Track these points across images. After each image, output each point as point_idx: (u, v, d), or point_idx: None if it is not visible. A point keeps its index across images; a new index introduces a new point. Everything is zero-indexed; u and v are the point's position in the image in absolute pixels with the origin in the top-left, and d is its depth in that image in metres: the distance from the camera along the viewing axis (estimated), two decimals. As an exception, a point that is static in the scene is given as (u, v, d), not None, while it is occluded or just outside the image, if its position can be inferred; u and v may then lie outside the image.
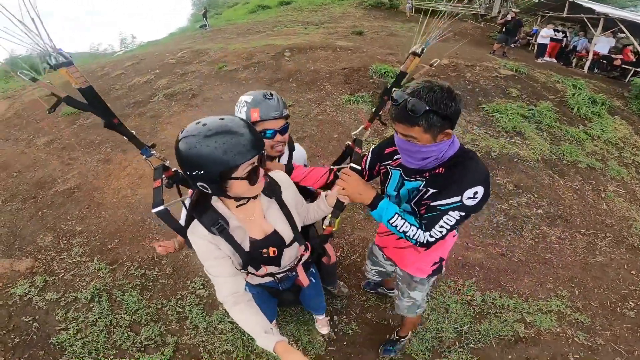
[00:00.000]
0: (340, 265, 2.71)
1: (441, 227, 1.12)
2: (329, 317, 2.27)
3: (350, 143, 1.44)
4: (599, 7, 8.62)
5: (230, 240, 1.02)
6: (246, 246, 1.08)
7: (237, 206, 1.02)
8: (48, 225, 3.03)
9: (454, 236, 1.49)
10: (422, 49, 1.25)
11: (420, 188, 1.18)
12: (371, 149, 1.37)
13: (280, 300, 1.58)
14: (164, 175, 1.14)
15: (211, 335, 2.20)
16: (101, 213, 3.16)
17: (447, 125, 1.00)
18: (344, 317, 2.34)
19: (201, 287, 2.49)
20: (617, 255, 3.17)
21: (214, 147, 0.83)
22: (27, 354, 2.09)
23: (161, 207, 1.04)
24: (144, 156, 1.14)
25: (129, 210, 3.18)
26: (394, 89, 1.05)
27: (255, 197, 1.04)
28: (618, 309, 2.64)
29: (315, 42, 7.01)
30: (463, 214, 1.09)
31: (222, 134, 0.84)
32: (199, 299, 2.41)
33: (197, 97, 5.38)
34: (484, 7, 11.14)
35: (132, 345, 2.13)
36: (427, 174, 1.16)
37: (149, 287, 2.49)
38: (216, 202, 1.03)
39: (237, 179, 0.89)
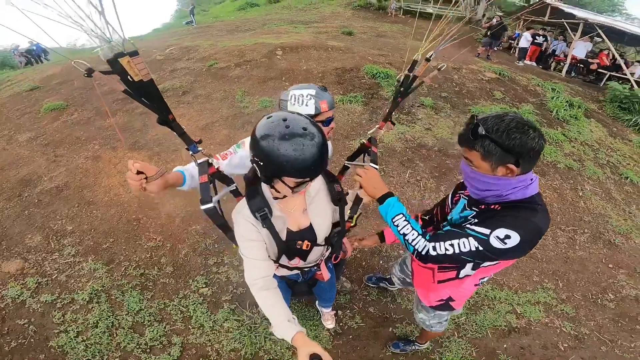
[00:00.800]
0: (342, 261, 2.76)
1: (451, 245, 1.07)
2: (334, 312, 2.32)
3: (365, 141, 1.49)
4: (579, 13, 9.07)
5: (271, 227, 1.07)
6: (283, 235, 1.13)
7: (275, 197, 1.06)
8: (36, 224, 2.90)
9: (475, 285, 1.40)
10: (431, 55, 1.40)
11: (469, 217, 1.15)
12: (458, 183, 1.38)
13: (294, 292, 1.62)
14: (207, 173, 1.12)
15: (218, 334, 2.19)
16: (92, 212, 3.06)
17: (509, 159, 0.95)
18: (348, 311, 2.40)
19: (204, 285, 2.48)
20: (595, 250, 3.38)
21: (282, 152, 0.84)
22: (27, 358, 2.01)
23: (210, 205, 1.05)
24: (191, 152, 1.11)
25: (122, 209, 3.10)
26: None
27: (285, 196, 1.06)
28: (599, 300, 2.82)
29: (306, 41, 7.02)
30: (481, 249, 1.02)
31: (295, 145, 0.84)
32: (202, 298, 2.39)
33: (188, 94, 5.28)
34: (469, 10, 11.49)
35: (137, 347, 2.09)
36: (483, 206, 1.11)
37: (150, 287, 2.45)
38: (265, 189, 1.07)
39: (285, 184, 0.92)
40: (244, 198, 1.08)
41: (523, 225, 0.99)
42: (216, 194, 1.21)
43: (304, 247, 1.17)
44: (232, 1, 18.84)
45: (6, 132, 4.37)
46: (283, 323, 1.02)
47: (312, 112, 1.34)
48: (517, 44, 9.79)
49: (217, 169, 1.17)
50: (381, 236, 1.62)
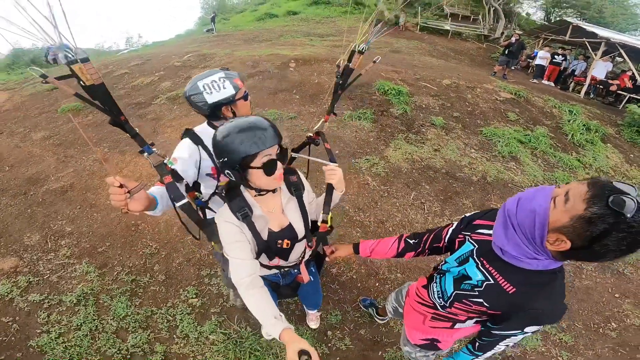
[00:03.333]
0: (337, 281, 2.68)
1: (498, 346, 1.10)
2: (320, 313, 2.30)
3: (312, 134, 1.63)
4: (601, 32, 8.77)
5: (252, 227, 1.12)
6: (264, 235, 1.17)
7: (255, 196, 1.13)
8: (37, 223, 2.95)
9: (465, 335, 1.34)
10: (364, 48, 1.46)
11: (476, 289, 1.04)
12: (462, 217, 1.26)
13: (279, 294, 1.62)
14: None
15: (202, 346, 2.14)
16: (93, 215, 3.09)
17: (579, 242, 0.78)
18: (338, 332, 2.32)
19: (194, 296, 2.44)
20: (602, 280, 3.20)
21: (234, 138, 0.97)
22: (4, 356, 2.00)
23: (185, 200, 1.11)
24: (145, 153, 1.14)
25: (122, 214, 3.11)
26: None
27: (274, 191, 1.14)
28: (601, 329, 2.67)
29: (320, 54, 7.09)
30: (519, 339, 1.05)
31: (245, 129, 0.98)
32: (190, 308, 2.35)
33: (199, 102, 5.37)
34: (488, 27, 11.39)
35: (118, 352, 2.06)
36: (497, 274, 0.99)
37: (139, 294, 2.42)
38: (245, 192, 1.14)
39: (254, 168, 1.00)
40: (225, 204, 1.13)
41: (550, 316, 0.96)
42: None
43: (284, 246, 1.21)
44: (252, 11, 19.40)
45: (22, 130, 4.53)
46: (270, 320, 1.03)
47: (233, 91, 1.39)
48: (535, 62, 9.58)
49: (171, 168, 1.20)
50: (355, 248, 1.52)
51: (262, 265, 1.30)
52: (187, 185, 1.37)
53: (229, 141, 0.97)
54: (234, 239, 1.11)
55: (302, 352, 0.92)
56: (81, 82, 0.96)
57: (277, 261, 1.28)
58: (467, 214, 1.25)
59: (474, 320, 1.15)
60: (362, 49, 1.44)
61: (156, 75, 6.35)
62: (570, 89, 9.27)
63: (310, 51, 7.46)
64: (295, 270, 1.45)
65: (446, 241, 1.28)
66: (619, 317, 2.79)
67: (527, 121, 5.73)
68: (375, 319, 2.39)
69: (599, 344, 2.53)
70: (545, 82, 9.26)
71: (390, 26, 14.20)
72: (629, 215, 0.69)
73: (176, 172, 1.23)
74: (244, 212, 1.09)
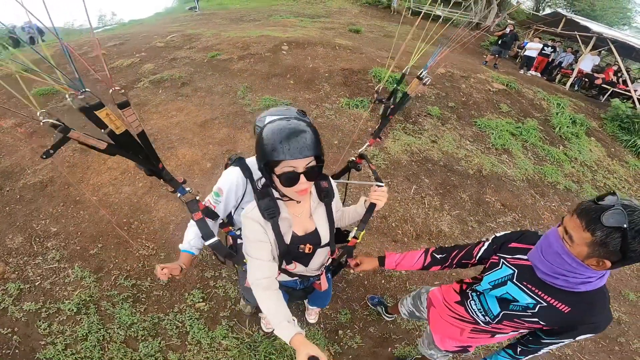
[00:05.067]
0: (344, 279, 2.67)
1: (540, 352, 1.12)
2: (319, 309, 2.32)
3: (355, 158, 1.59)
4: (594, 26, 8.93)
5: (276, 228, 1.09)
6: (287, 239, 1.14)
7: (277, 198, 1.10)
8: (17, 223, 2.70)
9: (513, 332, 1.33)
10: (423, 75, 1.39)
11: (528, 310, 1.06)
12: (493, 237, 1.27)
13: (291, 296, 1.62)
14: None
15: (216, 352, 2.09)
16: (79, 212, 2.87)
17: (614, 257, 0.84)
18: (349, 331, 2.34)
19: (200, 300, 2.34)
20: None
21: (266, 140, 0.93)
22: None
23: (215, 239, 1.14)
24: (179, 194, 1.11)
25: (112, 211, 2.91)
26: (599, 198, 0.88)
27: (298, 202, 1.11)
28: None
29: (313, 37, 6.80)
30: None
31: (279, 131, 0.93)
32: (199, 313, 2.27)
33: (187, 86, 5.05)
34: (480, 16, 11.30)
35: None
36: (549, 297, 1.01)
37: (142, 300, 2.30)
38: (275, 192, 1.10)
39: (274, 174, 0.97)
40: (254, 200, 1.11)
41: (599, 327, 0.99)
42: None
43: (307, 251, 1.19)
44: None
45: (-10, 117, 4.10)
46: (282, 323, 1.02)
47: None
48: (523, 53, 9.68)
49: (204, 204, 1.23)
50: (381, 261, 1.52)
51: (284, 272, 1.29)
52: (222, 222, 1.37)
53: (261, 141, 0.95)
54: (257, 238, 1.10)
55: (311, 358, 0.92)
56: (104, 130, 0.78)
57: (294, 266, 1.25)
58: (498, 234, 1.27)
59: (519, 330, 1.18)
60: (423, 76, 1.39)
61: (137, 56, 5.89)
62: (557, 80, 9.47)
63: (302, 33, 7.14)
64: (314, 278, 1.44)
65: (476, 259, 1.30)
66: None
67: (518, 113, 5.81)
68: (384, 316, 2.43)
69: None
70: (533, 72, 9.40)
71: (382, 9, 13.86)
72: (624, 226, 0.78)
73: (212, 212, 1.25)
74: (271, 212, 1.07)
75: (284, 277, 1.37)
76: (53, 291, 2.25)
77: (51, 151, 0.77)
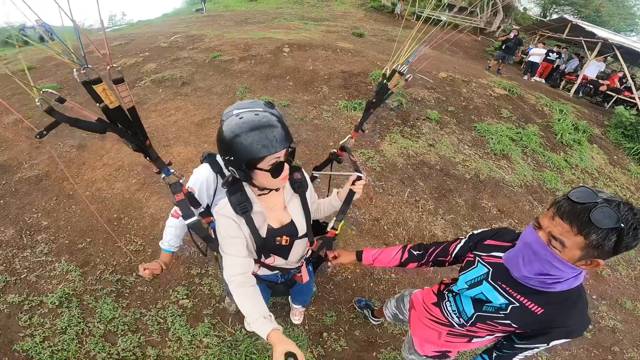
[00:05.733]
0: (331, 281, 2.64)
1: (516, 358, 1.07)
2: (304, 309, 2.29)
3: (336, 150, 1.60)
4: (599, 32, 8.78)
5: (250, 222, 1.09)
6: (263, 232, 1.14)
7: (259, 195, 1.11)
8: (10, 216, 2.73)
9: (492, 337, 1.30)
10: (404, 70, 1.42)
11: (501, 312, 1.02)
12: (470, 234, 1.24)
13: (274, 291, 1.62)
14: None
15: (196, 349, 2.07)
16: (71, 207, 2.89)
17: (607, 256, 0.81)
18: (333, 333, 2.30)
19: (184, 297, 2.33)
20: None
21: (244, 139, 0.92)
22: None
23: (194, 218, 1.13)
24: (164, 175, 1.12)
25: (103, 206, 2.93)
26: (577, 188, 0.84)
27: (277, 190, 1.11)
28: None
29: (315, 39, 6.83)
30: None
31: (253, 128, 0.92)
32: (182, 310, 2.26)
33: (187, 86, 5.10)
34: (484, 20, 11.24)
35: (108, 357, 1.96)
36: (521, 297, 0.97)
37: (126, 295, 2.29)
38: (246, 187, 1.11)
39: (261, 169, 0.96)
40: (225, 197, 1.10)
41: (577, 330, 0.95)
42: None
43: (284, 243, 1.19)
44: (244, -10, 18.50)
45: (-9, 112, 4.18)
46: (259, 320, 1.01)
47: None
48: (528, 58, 9.60)
49: (188, 190, 1.24)
50: (358, 255, 1.50)
51: (264, 265, 1.28)
52: (203, 211, 1.39)
53: (238, 141, 0.93)
54: (230, 234, 1.09)
55: (288, 354, 0.91)
56: (100, 104, 0.86)
57: (272, 260, 1.24)
58: (475, 232, 1.24)
59: (495, 335, 1.15)
60: (404, 70, 1.42)
61: (140, 56, 5.97)
62: (561, 86, 9.35)
63: (304, 36, 7.18)
64: (294, 270, 1.44)
65: (452, 257, 1.28)
66: (594, 319, 2.87)
67: (519, 118, 5.74)
68: (370, 320, 2.39)
69: (575, 345, 2.60)
70: (537, 78, 9.30)
71: (387, 13, 13.89)
72: (621, 225, 0.74)
73: (194, 199, 1.26)
74: (243, 207, 1.07)
75: (265, 272, 1.37)
76: (38, 284, 2.26)
77: (44, 132, 0.83)
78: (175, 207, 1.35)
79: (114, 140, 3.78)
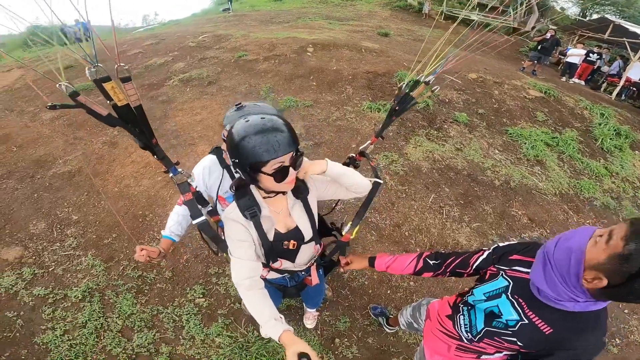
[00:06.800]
0: (348, 286, 2.57)
1: None
2: (318, 313, 2.26)
3: (354, 155, 1.58)
4: None
5: (259, 226, 1.09)
6: (271, 236, 1.14)
7: (264, 197, 1.10)
8: (43, 210, 2.87)
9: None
10: (430, 80, 1.36)
11: (509, 328, 0.97)
12: (495, 246, 1.17)
13: (284, 293, 1.62)
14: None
15: (208, 348, 2.08)
16: (100, 202, 3.00)
17: (616, 279, 0.77)
18: (346, 340, 2.24)
19: (201, 295, 2.35)
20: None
21: (247, 142, 0.92)
22: (9, 352, 1.96)
23: (202, 218, 1.14)
24: (171, 174, 1.14)
25: (130, 203, 3.02)
26: None
27: (284, 193, 1.11)
28: (605, 346, 2.50)
29: (339, 39, 6.75)
30: None
31: (260, 131, 0.92)
32: (197, 309, 2.28)
33: (213, 85, 5.19)
34: (518, 20, 10.64)
35: (123, 352, 2.01)
36: (533, 315, 0.93)
37: (145, 291, 2.34)
38: (254, 190, 1.10)
39: (265, 173, 0.96)
40: (234, 201, 1.10)
41: (589, 353, 0.87)
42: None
43: (291, 247, 1.19)
44: (270, -9, 18.69)
45: (32, 109, 4.44)
46: (269, 322, 1.01)
47: None
48: (566, 59, 9.01)
49: (195, 189, 1.24)
50: (371, 261, 1.44)
51: (273, 269, 1.28)
52: (211, 209, 1.40)
53: (242, 144, 0.93)
54: (238, 237, 1.10)
55: (301, 355, 0.90)
56: (110, 102, 0.88)
57: (279, 264, 1.24)
58: (500, 244, 1.15)
59: (503, 353, 1.08)
60: (429, 80, 1.37)
61: (170, 55, 6.16)
62: (602, 89, 8.72)
63: (328, 35, 7.11)
64: (304, 273, 1.42)
65: (473, 269, 1.19)
66: (623, 333, 2.68)
67: (555, 122, 5.36)
68: (385, 328, 2.31)
69: (599, 359, 2.39)
70: (576, 80, 8.71)
71: (414, 12, 13.54)
72: None
73: (202, 198, 1.27)
74: (252, 211, 1.07)
75: (274, 275, 1.37)
76: (64, 277, 2.35)
77: (57, 105, 0.86)
78: (181, 195, 1.37)
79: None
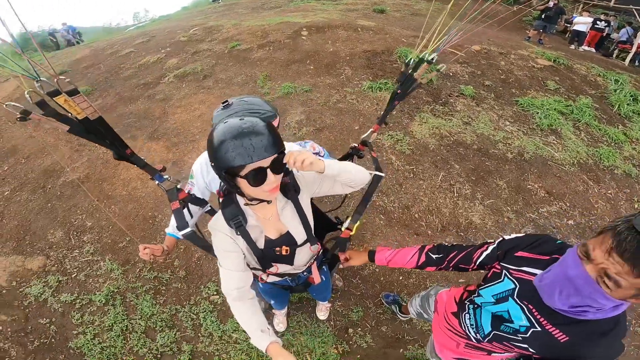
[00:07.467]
0: (358, 275, 2.57)
1: None
2: (330, 304, 2.28)
3: (356, 145, 1.52)
4: None
5: (246, 236, 1.06)
6: (261, 244, 1.11)
7: (245, 204, 1.04)
8: (58, 219, 2.92)
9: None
10: (433, 58, 1.30)
11: (519, 334, 0.91)
12: (500, 240, 1.08)
13: (291, 290, 1.62)
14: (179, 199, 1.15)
15: (226, 344, 2.13)
16: (111, 207, 3.04)
17: None
18: (359, 329, 2.26)
19: (215, 293, 2.40)
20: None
21: (222, 145, 0.86)
22: (48, 358, 2.06)
23: (188, 230, 1.09)
24: (157, 182, 1.12)
25: (139, 205, 3.04)
26: None
27: (269, 202, 1.04)
28: (631, 327, 2.48)
29: (334, 20, 6.52)
30: None
31: (235, 136, 0.86)
32: (212, 306, 2.33)
33: (208, 79, 5.10)
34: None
35: (149, 352, 2.09)
36: (546, 322, 0.85)
37: (162, 292, 2.40)
38: (239, 198, 1.06)
39: (240, 177, 0.90)
40: (220, 211, 1.08)
41: (608, 358, 0.81)
42: (191, 216, 1.25)
43: (284, 253, 1.16)
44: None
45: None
46: (256, 332, 1.00)
47: None
48: (572, 27, 8.63)
49: (189, 192, 1.21)
50: (371, 256, 1.40)
51: (272, 273, 1.27)
52: (210, 209, 1.38)
53: (218, 148, 0.87)
54: (224, 248, 1.07)
55: None
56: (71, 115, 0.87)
57: (275, 269, 1.22)
58: (507, 237, 1.07)
59: (514, 353, 1.03)
60: (433, 58, 1.32)
61: (162, 52, 6.05)
62: (614, 56, 8.38)
63: (322, 17, 6.87)
64: (306, 273, 1.40)
65: (476, 265, 1.13)
66: None
67: (568, 90, 5.14)
68: (398, 315, 2.30)
69: (626, 342, 2.34)
70: (585, 47, 8.38)
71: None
72: None
73: (197, 198, 1.24)
74: (237, 221, 1.03)
75: (274, 278, 1.35)
76: (87, 283, 2.42)
77: (26, 117, 0.86)
78: (187, 185, 1.36)
79: (144, 139, 3.90)
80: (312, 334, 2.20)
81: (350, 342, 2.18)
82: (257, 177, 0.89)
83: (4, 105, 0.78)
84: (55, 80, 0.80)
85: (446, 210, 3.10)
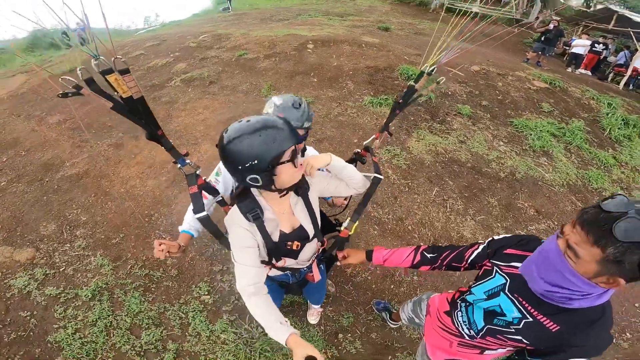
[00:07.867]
0: (351, 282, 2.58)
1: None
2: (322, 309, 2.28)
3: (360, 150, 1.56)
4: None
5: (262, 229, 1.09)
6: (275, 237, 1.14)
7: (281, 196, 1.09)
8: (52, 212, 2.93)
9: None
10: (433, 70, 1.37)
11: (512, 326, 0.95)
12: (489, 240, 1.14)
13: (286, 290, 1.64)
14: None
15: (213, 345, 2.12)
16: (107, 203, 3.05)
17: (630, 275, 0.70)
18: (349, 335, 2.26)
19: (206, 293, 2.39)
20: (626, 288, 2.96)
21: (265, 138, 0.92)
22: (23, 351, 2.02)
23: (204, 213, 1.14)
24: (179, 165, 1.16)
25: (136, 203, 3.06)
26: (604, 204, 0.72)
27: (288, 191, 1.09)
28: (614, 340, 2.50)
29: (340, 35, 6.71)
30: None
31: (268, 127, 0.93)
32: (203, 306, 2.32)
33: (214, 85, 5.21)
34: (521, 11, 10.46)
35: (132, 349, 2.06)
36: (537, 313, 0.90)
37: (152, 289, 2.39)
38: (257, 196, 1.11)
39: (284, 162, 0.96)
40: (235, 205, 1.10)
41: (595, 351, 0.85)
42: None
43: (294, 248, 1.19)
44: (270, -12, 18.60)
45: (38, 113, 4.51)
46: (275, 324, 1.02)
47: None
48: (571, 50, 8.89)
49: (205, 180, 1.25)
50: (368, 255, 1.43)
51: (274, 267, 1.28)
52: (221, 200, 1.40)
53: (258, 142, 0.92)
54: (242, 244, 1.09)
55: (309, 358, 0.91)
56: (117, 93, 0.93)
57: (283, 262, 1.24)
58: (496, 237, 1.14)
59: (507, 349, 1.08)
60: (432, 70, 1.39)
61: (171, 56, 6.19)
62: (609, 79, 8.60)
63: (328, 31, 7.08)
64: (306, 269, 1.43)
65: (468, 263, 1.19)
66: (634, 327, 2.64)
67: (562, 113, 5.29)
68: (388, 323, 2.32)
69: (610, 355, 2.41)
70: (582, 71, 8.60)
71: (414, 6, 13.38)
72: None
73: (211, 188, 1.28)
74: (255, 214, 1.06)
75: (276, 272, 1.37)
76: (74, 277, 2.40)
77: (69, 93, 0.91)
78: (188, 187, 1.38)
79: (147, 140, 3.95)
80: (289, 312, 2.25)
81: (340, 348, 2.17)
82: (295, 156, 0.99)
83: (59, 79, 0.86)
84: (113, 59, 0.89)
85: (439, 224, 3.14)
